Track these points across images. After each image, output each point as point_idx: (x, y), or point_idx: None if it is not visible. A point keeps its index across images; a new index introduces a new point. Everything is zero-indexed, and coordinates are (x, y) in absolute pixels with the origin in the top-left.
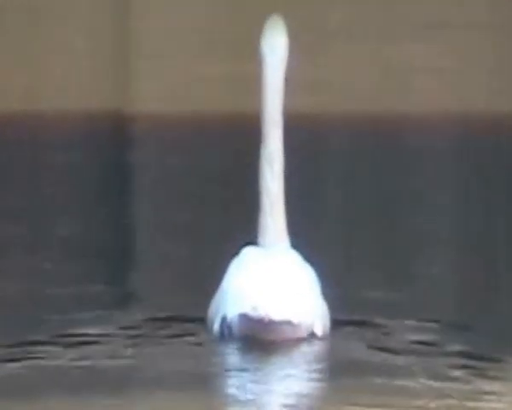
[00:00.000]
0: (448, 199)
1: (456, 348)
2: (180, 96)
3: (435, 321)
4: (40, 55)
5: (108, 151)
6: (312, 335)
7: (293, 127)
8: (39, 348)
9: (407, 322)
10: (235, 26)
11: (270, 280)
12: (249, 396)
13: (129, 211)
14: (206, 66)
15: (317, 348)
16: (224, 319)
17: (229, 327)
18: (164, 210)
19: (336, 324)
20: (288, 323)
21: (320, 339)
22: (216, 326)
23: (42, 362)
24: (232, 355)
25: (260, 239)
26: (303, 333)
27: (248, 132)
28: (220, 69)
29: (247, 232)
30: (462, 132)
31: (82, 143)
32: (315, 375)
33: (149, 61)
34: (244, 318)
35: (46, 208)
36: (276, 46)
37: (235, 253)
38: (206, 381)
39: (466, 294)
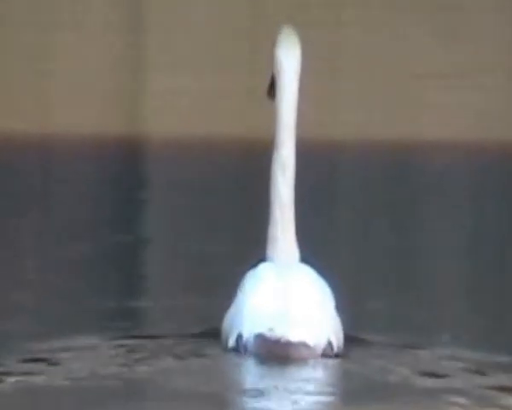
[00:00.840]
0: (461, 220)
1: (480, 365)
2: (192, 117)
3: (449, 339)
4: (52, 79)
5: (121, 173)
6: (327, 351)
7: (306, 151)
8: (49, 362)
9: (420, 339)
10: (249, 47)
11: (286, 300)
12: None
13: (141, 230)
14: (218, 88)
15: (333, 366)
16: (239, 337)
17: (245, 345)
18: (176, 230)
19: (349, 340)
20: (305, 344)
21: (335, 355)
22: (231, 343)
23: (51, 377)
24: (247, 373)
25: (269, 250)
26: (318, 352)
27: (260, 152)
28: (233, 90)
29: (259, 250)
30: (478, 160)
31: (95, 165)
32: (332, 395)
33: (161, 83)
34: (260, 338)
35: (58, 229)
36: (290, 54)
37: (248, 268)
38: (221, 399)
39: (481, 313)
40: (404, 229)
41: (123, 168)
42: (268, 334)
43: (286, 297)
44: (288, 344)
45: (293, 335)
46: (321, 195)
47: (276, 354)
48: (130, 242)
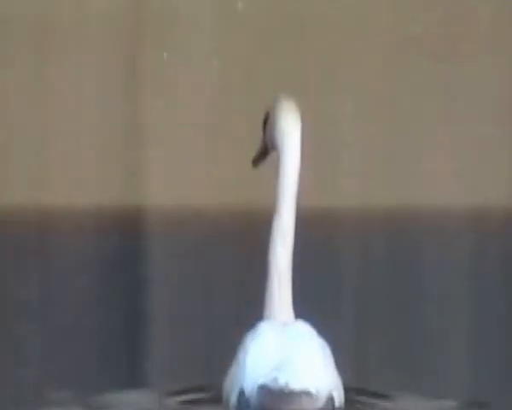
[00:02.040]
0: (458, 279)
1: None
2: (190, 189)
3: (450, 399)
4: (50, 150)
5: (119, 245)
6: (329, 406)
7: (304, 218)
8: None
9: (420, 399)
10: (245, 118)
11: (288, 352)
12: None
13: (142, 300)
14: (217, 160)
15: None
16: (241, 393)
17: (248, 401)
18: (176, 297)
19: (348, 397)
20: (308, 394)
21: None
22: (233, 400)
23: None
24: None
25: (266, 314)
26: (321, 404)
27: (257, 222)
28: (231, 162)
29: (258, 314)
30: (478, 227)
31: (93, 237)
32: None
33: (160, 156)
34: (263, 389)
35: (57, 301)
36: (293, 125)
37: (247, 330)
38: None
39: (481, 377)
40: (404, 294)
41: (122, 240)
42: (271, 384)
43: (287, 350)
44: (292, 394)
45: (297, 384)
46: (319, 261)
47: (280, 405)
48: (131, 310)
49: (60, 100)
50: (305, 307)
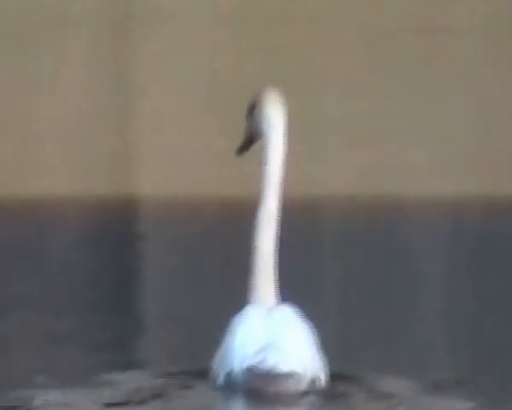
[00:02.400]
0: (437, 266)
1: (458, 405)
2: (182, 178)
3: (431, 381)
4: (39, 143)
5: (109, 234)
6: (313, 387)
7: (287, 206)
8: None
9: (401, 380)
10: (234, 110)
11: (274, 335)
12: None
13: (135, 284)
14: (207, 147)
15: (319, 401)
16: (229, 374)
17: (235, 381)
18: (166, 282)
19: (332, 377)
20: (294, 375)
21: (321, 391)
22: (220, 381)
23: None
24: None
25: (250, 299)
26: (306, 385)
27: (241, 209)
28: (222, 150)
29: (244, 298)
30: (455, 215)
31: (83, 226)
32: None
33: (152, 145)
34: (251, 371)
35: (53, 290)
36: (278, 112)
37: (234, 313)
38: None
39: (460, 356)
40: (385, 278)
41: (111, 229)
42: (259, 366)
43: (273, 333)
44: (278, 375)
45: (284, 366)
46: (303, 247)
47: (267, 386)
48: (122, 296)
49: (49, 92)
50: (290, 292)
